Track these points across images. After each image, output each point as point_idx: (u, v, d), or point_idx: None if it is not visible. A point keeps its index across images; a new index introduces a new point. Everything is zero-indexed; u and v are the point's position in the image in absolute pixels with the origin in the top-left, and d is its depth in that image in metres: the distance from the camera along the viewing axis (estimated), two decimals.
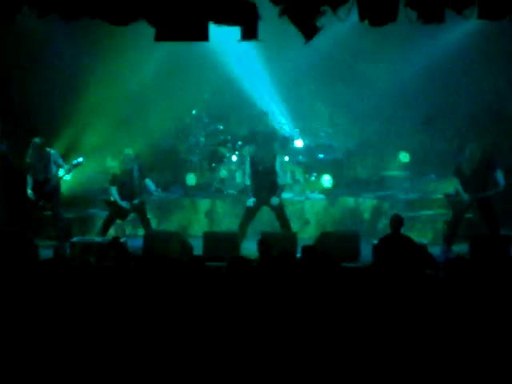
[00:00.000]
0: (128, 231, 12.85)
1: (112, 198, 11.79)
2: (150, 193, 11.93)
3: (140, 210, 11.84)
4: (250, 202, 11.73)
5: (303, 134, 14.02)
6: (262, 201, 11.73)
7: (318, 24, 9.37)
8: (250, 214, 11.77)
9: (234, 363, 6.07)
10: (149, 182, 11.90)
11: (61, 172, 11.71)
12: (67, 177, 12.37)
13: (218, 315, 6.48)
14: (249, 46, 12.37)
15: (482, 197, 11.21)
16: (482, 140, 12.04)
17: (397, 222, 10.03)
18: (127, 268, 7.70)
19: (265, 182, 11.68)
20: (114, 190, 11.76)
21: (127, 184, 11.72)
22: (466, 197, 11.26)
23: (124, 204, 11.70)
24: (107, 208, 12.00)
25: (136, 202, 11.71)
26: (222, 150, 13.85)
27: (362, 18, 9.30)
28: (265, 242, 9.46)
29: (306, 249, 9.02)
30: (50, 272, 7.18)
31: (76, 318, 6.52)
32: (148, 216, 12.09)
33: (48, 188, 11.66)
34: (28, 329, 6.37)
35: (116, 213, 11.80)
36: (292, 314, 6.51)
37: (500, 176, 11.21)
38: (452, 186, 11.55)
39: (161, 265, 7.38)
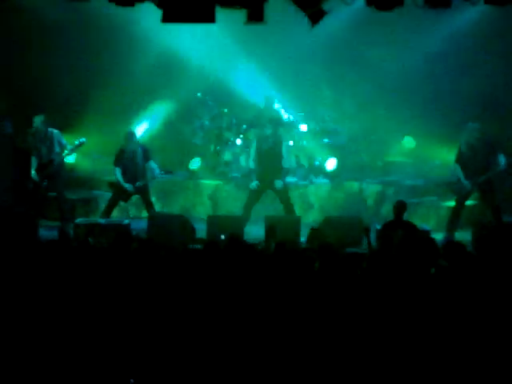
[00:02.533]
0: (132, 213, 12.86)
1: (115, 180, 11.79)
2: (154, 175, 11.90)
3: (143, 193, 11.83)
4: (253, 185, 11.74)
5: (307, 118, 13.97)
6: (266, 184, 11.73)
7: (324, 8, 9.32)
8: (253, 197, 11.76)
9: (233, 349, 6.09)
10: (153, 164, 11.88)
11: (64, 152, 11.72)
12: (70, 157, 12.40)
13: (220, 299, 6.50)
14: (252, 29, 12.30)
15: (482, 180, 11.19)
16: (484, 124, 11.98)
17: (400, 207, 10.06)
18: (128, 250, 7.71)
19: (269, 166, 11.68)
20: (117, 172, 11.75)
21: (131, 166, 11.70)
22: (466, 183, 11.25)
23: (127, 186, 11.69)
24: (110, 190, 11.99)
25: (139, 184, 11.70)
26: (227, 133, 13.83)
27: (368, 2, 9.26)
28: (272, 228, 9.55)
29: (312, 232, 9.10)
30: (51, 253, 7.20)
31: (76, 298, 6.54)
32: (152, 198, 12.09)
33: (51, 168, 11.66)
34: (27, 310, 6.39)
35: (119, 195, 11.80)
36: (294, 299, 6.52)
37: (501, 157, 11.19)
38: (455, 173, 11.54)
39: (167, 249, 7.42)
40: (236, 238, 7.81)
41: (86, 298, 6.56)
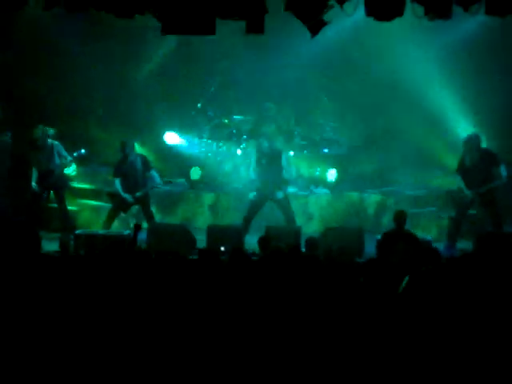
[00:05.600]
0: (132, 224, 12.82)
1: (115, 190, 11.77)
2: (155, 185, 11.87)
3: (143, 203, 11.81)
4: (252, 195, 11.74)
5: (308, 129, 13.98)
6: (267, 195, 11.71)
7: (324, 18, 9.32)
8: (254, 208, 11.75)
9: (232, 357, 6.08)
10: (154, 174, 11.86)
11: (64, 163, 11.71)
12: (70, 169, 12.39)
13: (219, 308, 6.49)
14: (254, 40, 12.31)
15: (484, 191, 11.16)
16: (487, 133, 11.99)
17: (401, 217, 10.02)
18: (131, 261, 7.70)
19: (270, 176, 11.67)
20: (117, 182, 11.74)
21: (130, 176, 11.69)
22: (468, 193, 11.23)
23: (127, 196, 11.68)
24: (111, 200, 11.98)
25: (139, 194, 11.68)
26: (227, 143, 13.82)
27: (368, 12, 9.26)
28: (266, 238, 9.49)
29: (309, 242, 9.08)
30: (53, 264, 7.20)
31: (77, 308, 6.54)
32: (152, 209, 12.07)
33: (52, 179, 11.65)
34: (28, 319, 6.39)
35: (119, 205, 11.78)
36: (292, 306, 6.51)
37: (502, 169, 11.18)
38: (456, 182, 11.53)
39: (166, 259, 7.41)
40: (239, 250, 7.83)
41: (88, 308, 6.56)
